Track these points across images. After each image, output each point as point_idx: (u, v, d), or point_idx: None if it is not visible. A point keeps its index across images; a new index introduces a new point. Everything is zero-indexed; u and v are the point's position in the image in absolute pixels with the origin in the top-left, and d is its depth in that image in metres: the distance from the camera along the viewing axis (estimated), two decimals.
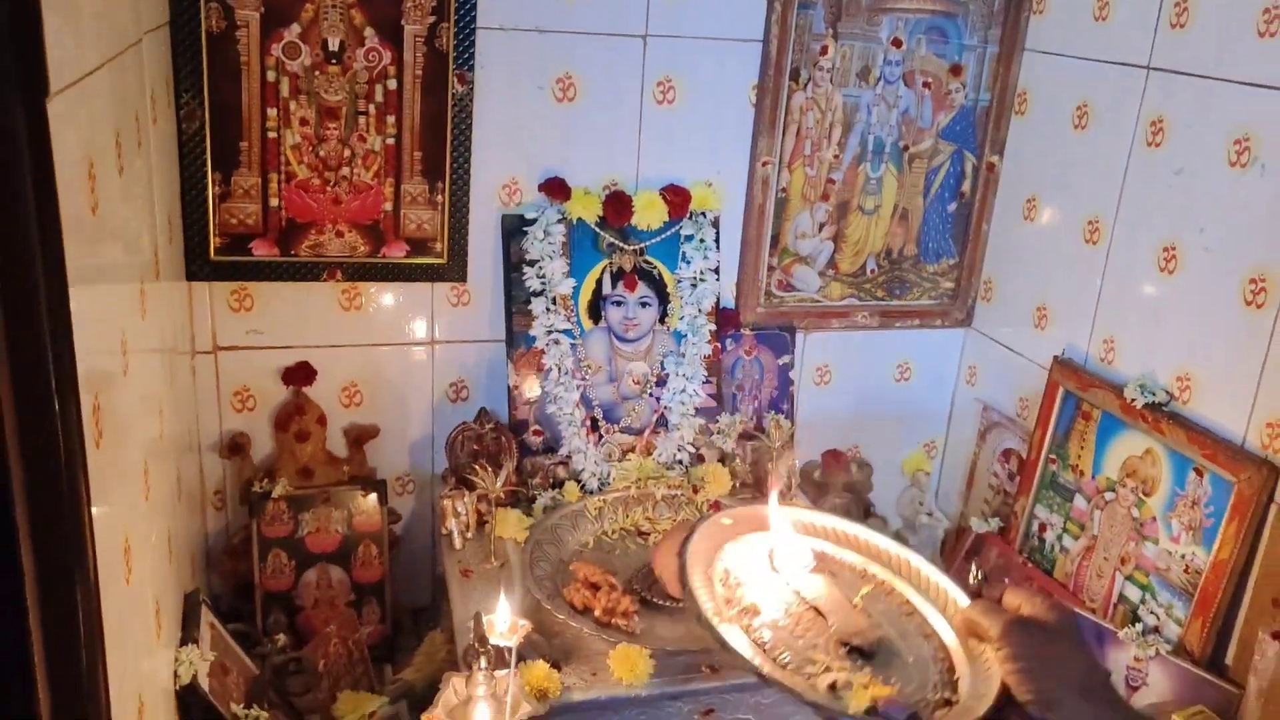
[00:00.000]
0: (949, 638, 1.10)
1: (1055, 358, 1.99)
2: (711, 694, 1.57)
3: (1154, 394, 1.74)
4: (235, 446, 1.93)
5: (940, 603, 1.15)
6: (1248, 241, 1.61)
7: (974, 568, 1.54)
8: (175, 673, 1.45)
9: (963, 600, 1.12)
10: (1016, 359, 2.17)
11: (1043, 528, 2.00)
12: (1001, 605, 1.04)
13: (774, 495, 1.22)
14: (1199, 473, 1.67)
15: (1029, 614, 1.00)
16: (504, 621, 1.53)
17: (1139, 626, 1.69)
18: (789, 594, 1.13)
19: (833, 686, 1.01)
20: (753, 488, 2.06)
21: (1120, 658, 1.70)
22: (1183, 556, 1.68)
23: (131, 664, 1.10)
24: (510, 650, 1.49)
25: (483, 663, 1.33)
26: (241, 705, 1.55)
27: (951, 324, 2.29)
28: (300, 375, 1.93)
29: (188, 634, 1.54)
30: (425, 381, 2.03)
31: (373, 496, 1.95)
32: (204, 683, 1.49)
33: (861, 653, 1.08)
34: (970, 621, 1.04)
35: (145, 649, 1.21)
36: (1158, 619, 1.70)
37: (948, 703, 1.01)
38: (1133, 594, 1.77)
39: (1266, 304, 1.57)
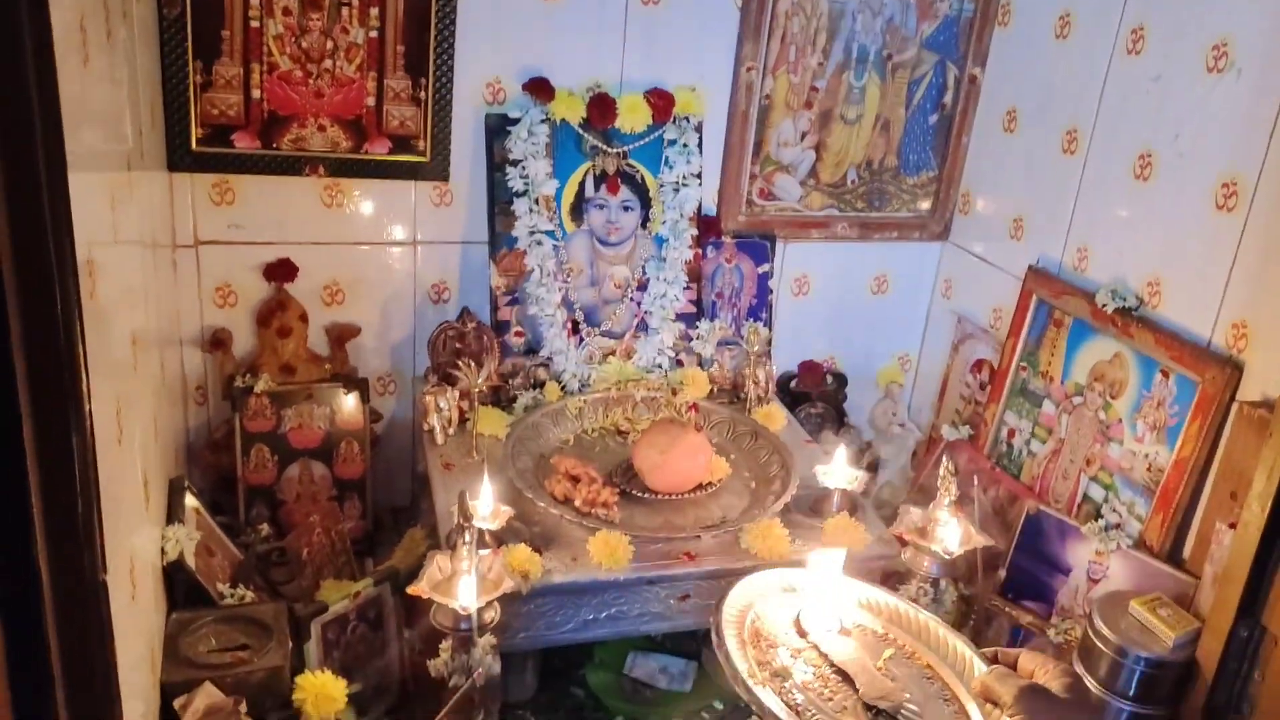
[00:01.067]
0: (968, 703, 1.17)
1: (1030, 267, 2.03)
2: (688, 580, 1.62)
3: (1124, 299, 1.78)
4: (217, 341, 1.93)
5: (959, 667, 1.23)
6: (1220, 146, 1.64)
7: (946, 461, 1.59)
8: (163, 549, 1.48)
9: (980, 666, 1.19)
10: (991, 271, 2.20)
11: (1011, 433, 2.05)
12: (1016, 671, 1.10)
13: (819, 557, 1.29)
14: (1165, 374, 1.71)
15: (1042, 682, 1.06)
16: (487, 506, 1.57)
17: (1101, 522, 1.75)
18: (816, 657, 1.21)
19: None
20: (730, 393, 2.10)
21: (1082, 552, 1.76)
22: (1146, 456, 1.74)
23: (125, 525, 1.12)
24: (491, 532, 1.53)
25: (466, 538, 1.36)
26: (227, 585, 1.58)
27: (929, 237, 2.32)
28: (282, 271, 1.93)
29: (174, 515, 1.57)
30: (407, 282, 2.04)
31: (354, 394, 1.96)
32: (190, 561, 1.52)
33: (887, 716, 1.14)
34: (986, 688, 1.10)
35: (136, 516, 1.23)
36: (1120, 516, 1.76)
37: None
38: (1096, 494, 1.83)
39: (1237, 207, 1.61)
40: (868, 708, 1.14)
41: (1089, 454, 1.86)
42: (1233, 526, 1.52)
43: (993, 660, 1.15)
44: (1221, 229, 1.63)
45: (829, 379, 2.35)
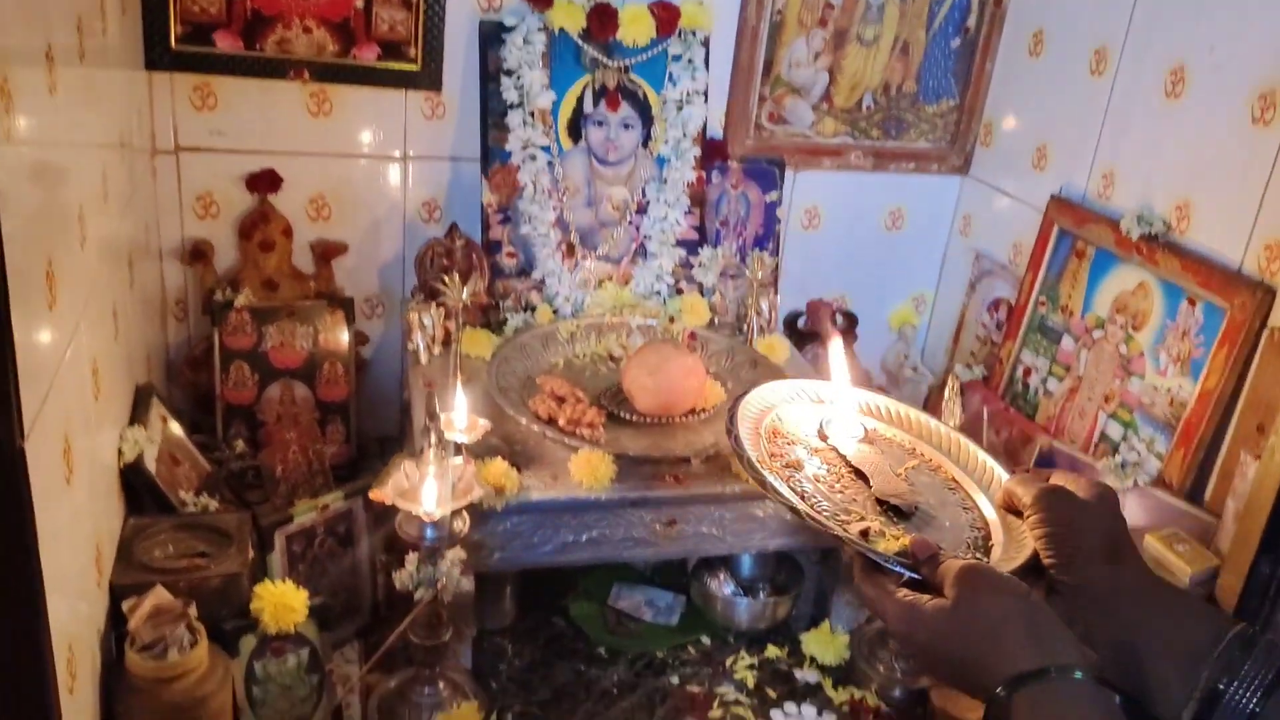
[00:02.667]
0: (989, 512, 1.09)
1: (1052, 195, 1.91)
2: (674, 504, 1.53)
3: (1151, 224, 1.67)
4: (197, 253, 1.86)
5: (985, 481, 1.13)
6: (1258, 58, 1.52)
7: (951, 383, 1.49)
8: (120, 450, 1.41)
9: (1006, 477, 1.10)
10: (1012, 204, 2.09)
11: (1027, 372, 1.95)
12: (1040, 476, 1.01)
13: (837, 347, 1.21)
14: (1191, 302, 1.60)
15: (1066, 485, 0.97)
16: (462, 418, 1.49)
17: (1118, 458, 1.64)
18: (834, 457, 1.13)
19: (865, 534, 0.99)
20: (732, 326, 2.00)
21: None
22: (1168, 390, 1.63)
23: (58, 405, 1.05)
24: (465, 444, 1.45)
25: (433, 438, 1.28)
26: (191, 494, 1.51)
27: (948, 169, 2.21)
28: (265, 182, 1.85)
29: (137, 420, 1.50)
30: (397, 199, 1.96)
31: (339, 314, 1.89)
32: (151, 467, 1.45)
33: (899, 511, 1.07)
34: (1008, 491, 1.02)
35: (75, 401, 1.16)
36: (1138, 455, 1.65)
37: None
38: (1115, 432, 1.72)
39: (1274, 120, 1.49)
40: (880, 503, 1.07)
41: (1108, 390, 1.75)
42: (1257, 457, 1.42)
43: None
44: (1257, 144, 1.51)
45: (838, 318, 2.25)
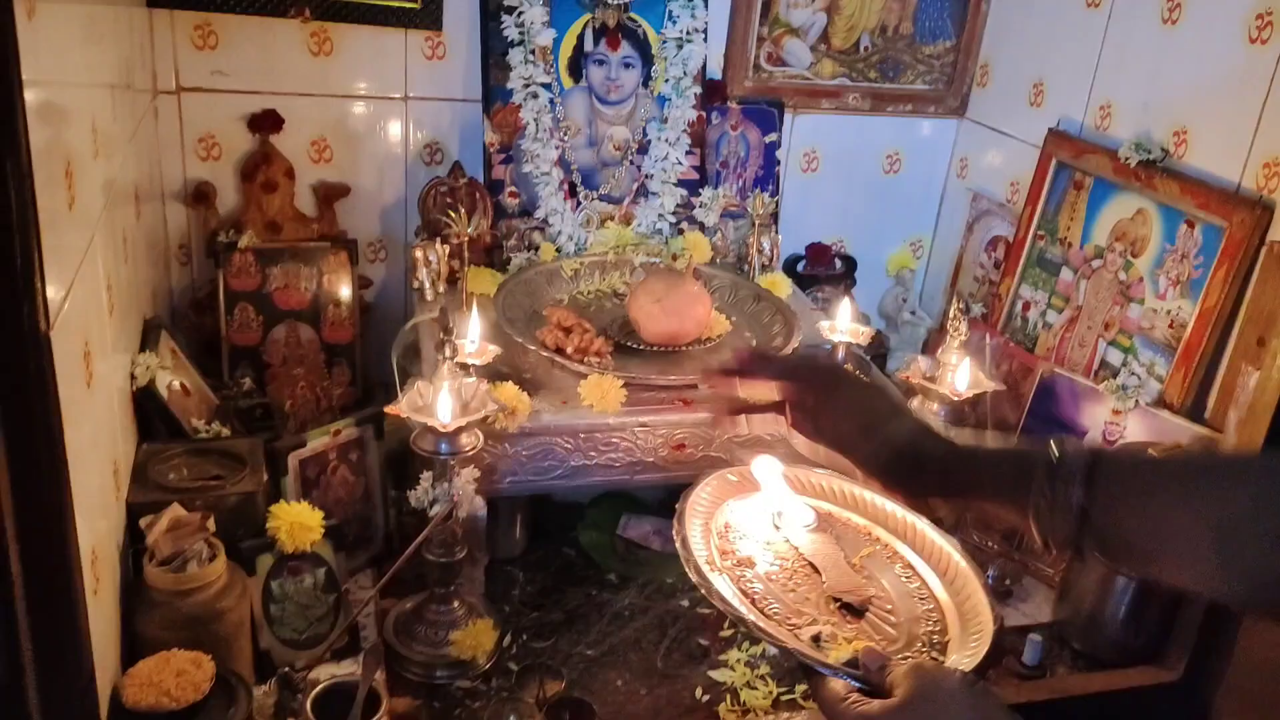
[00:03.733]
0: (945, 600, 1.09)
1: (1049, 129, 1.93)
2: (683, 426, 1.55)
3: (1149, 151, 1.69)
4: (200, 195, 1.86)
5: (942, 566, 1.14)
6: None
7: (955, 301, 1.51)
8: (132, 375, 1.41)
9: (964, 566, 1.11)
10: (1009, 142, 2.11)
11: (1026, 306, 1.97)
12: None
13: (770, 460, 1.20)
14: (1190, 225, 1.62)
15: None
16: (472, 341, 1.50)
17: (1118, 380, 1.66)
18: (786, 549, 1.13)
19: (816, 638, 1.00)
20: (734, 266, 2.02)
21: (1098, 413, 1.67)
22: (1168, 313, 1.65)
23: (80, 312, 1.06)
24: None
25: (446, 352, 1.29)
26: (203, 422, 1.52)
27: (945, 112, 2.22)
28: (267, 123, 1.85)
29: (146, 348, 1.50)
30: (398, 141, 1.96)
31: (343, 256, 1.89)
32: (164, 393, 1.46)
33: (851, 609, 1.06)
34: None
35: (96, 318, 1.16)
36: (1139, 378, 1.67)
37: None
38: (1114, 358, 1.75)
39: (1271, 39, 1.51)
40: (834, 600, 1.06)
41: (1108, 318, 1.77)
42: (1257, 367, 1.44)
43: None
44: (1254, 64, 1.53)
45: (837, 262, 2.27)
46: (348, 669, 1.36)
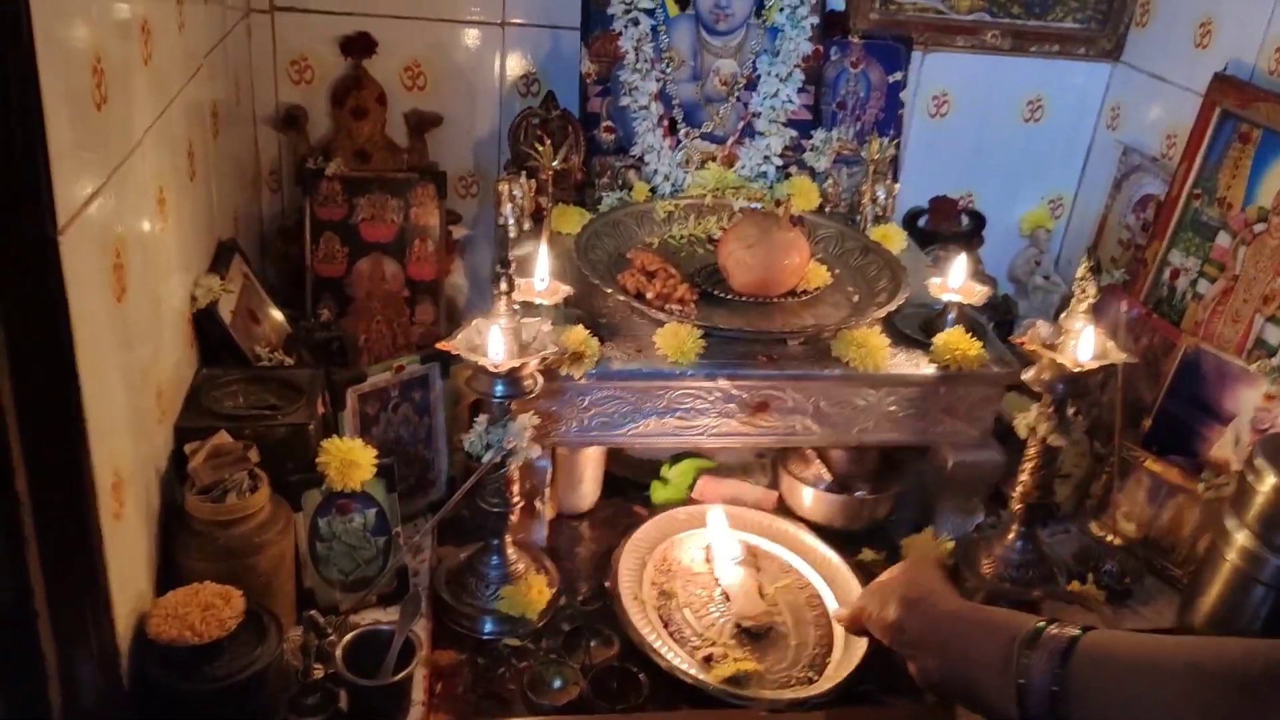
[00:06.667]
0: (835, 626, 1.33)
1: (1215, 74, 1.69)
2: (765, 386, 1.42)
3: None
4: (290, 119, 1.82)
5: (843, 596, 1.39)
6: None
7: (1085, 259, 1.32)
8: (193, 295, 1.37)
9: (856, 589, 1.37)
10: (1168, 89, 1.87)
11: (1174, 274, 1.74)
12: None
13: (716, 509, 1.50)
14: None
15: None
16: (542, 279, 1.40)
17: (1275, 360, 1.45)
18: (708, 580, 1.41)
19: (708, 659, 1.25)
20: (844, 217, 1.85)
21: (1248, 398, 1.46)
22: None
23: (109, 219, 1.00)
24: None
25: (503, 285, 1.19)
26: (267, 350, 1.47)
27: (1097, 54, 1.99)
28: (359, 46, 1.79)
29: (214, 270, 1.46)
30: (493, 69, 1.87)
31: (431, 188, 1.81)
32: (226, 318, 1.41)
33: (750, 634, 1.31)
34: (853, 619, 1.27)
35: (137, 228, 1.11)
36: None
37: (809, 680, 1.26)
38: (1273, 336, 1.52)
39: None
40: (736, 626, 1.32)
41: (1268, 290, 1.54)
42: None
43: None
44: None
45: (964, 219, 2.08)
46: (393, 616, 1.29)
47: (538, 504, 1.44)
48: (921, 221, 2.06)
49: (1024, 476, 1.39)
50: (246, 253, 1.67)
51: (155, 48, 1.17)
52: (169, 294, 1.27)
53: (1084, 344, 1.27)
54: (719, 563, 1.42)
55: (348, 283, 1.82)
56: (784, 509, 1.59)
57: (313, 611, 1.12)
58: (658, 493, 1.60)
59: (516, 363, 1.19)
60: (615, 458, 1.62)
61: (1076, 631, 0.95)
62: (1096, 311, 1.31)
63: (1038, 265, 2.10)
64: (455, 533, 1.44)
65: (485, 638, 1.31)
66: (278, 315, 1.60)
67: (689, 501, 1.58)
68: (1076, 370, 1.27)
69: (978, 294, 1.48)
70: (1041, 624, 0.99)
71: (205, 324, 1.39)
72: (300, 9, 1.77)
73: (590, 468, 1.56)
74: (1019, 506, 1.40)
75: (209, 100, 1.50)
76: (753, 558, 1.45)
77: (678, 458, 1.63)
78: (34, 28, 0.80)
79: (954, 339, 1.43)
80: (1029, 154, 2.07)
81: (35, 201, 0.84)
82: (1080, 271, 1.32)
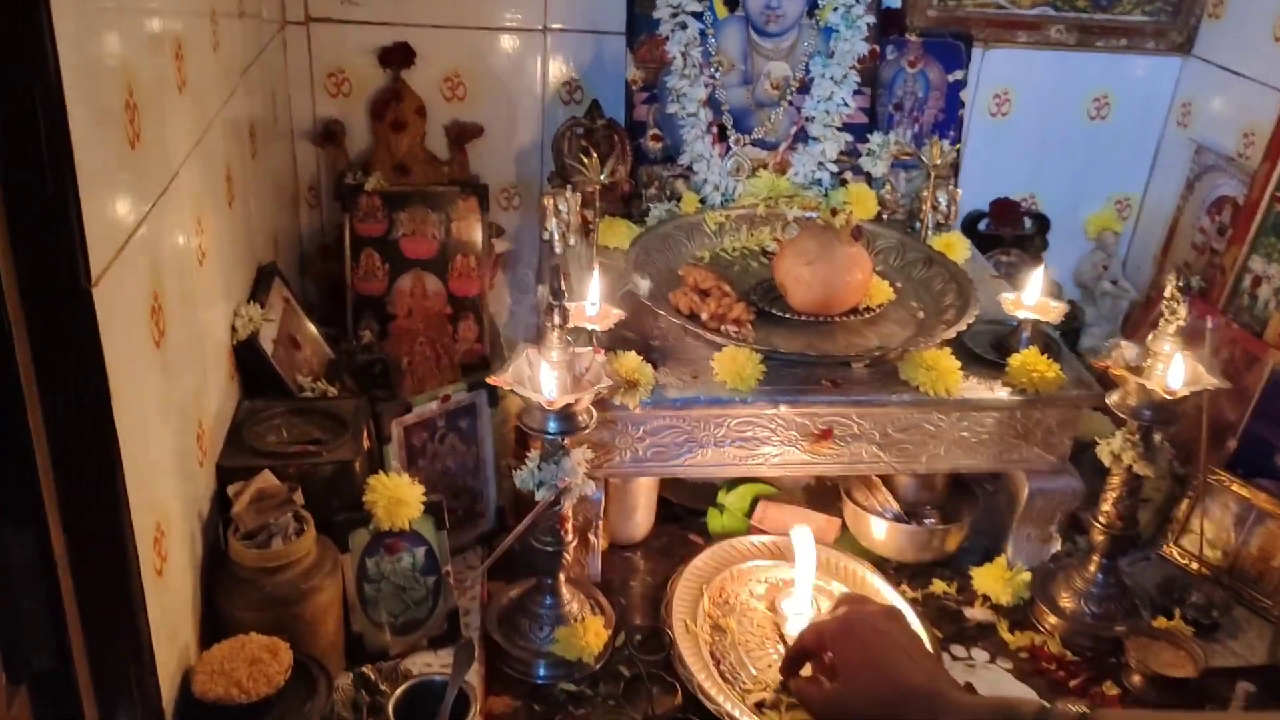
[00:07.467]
0: None
1: None
2: (830, 412, 1.35)
3: None
4: (328, 134, 1.77)
5: None
6: None
7: (1173, 279, 1.24)
8: (233, 326, 1.32)
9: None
10: (1245, 85, 1.77)
11: (1256, 282, 1.65)
12: None
13: (803, 534, 1.34)
14: None
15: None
16: (593, 305, 1.34)
17: None
18: (764, 619, 1.34)
19: (760, 705, 1.20)
20: (903, 224, 1.77)
21: None
22: None
23: (144, 263, 0.95)
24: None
25: (556, 319, 1.13)
26: (309, 379, 1.42)
27: (1167, 48, 1.89)
28: (398, 56, 1.73)
29: (256, 299, 1.41)
30: (535, 77, 1.80)
31: (473, 201, 1.75)
32: (267, 347, 1.36)
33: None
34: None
35: (176, 266, 1.06)
36: None
37: None
38: None
39: None
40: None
41: None
42: None
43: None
44: None
45: (1027, 222, 1.99)
46: (445, 660, 1.24)
47: (591, 537, 1.38)
48: (982, 225, 1.97)
49: (1106, 506, 1.32)
50: (285, 273, 1.62)
51: (190, 71, 1.12)
52: (209, 327, 1.22)
53: (1174, 371, 1.19)
54: (789, 613, 1.32)
55: (389, 301, 1.76)
56: (847, 537, 1.52)
57: (365, 667, 1.07)
58: (714, 520, 1.54)
59: (571, 399, 1.13)
60: (669, 484, 1.56)
61: (1084, 709, 0.88)
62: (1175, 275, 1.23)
63: (1105, 270, 2.01)
64: (505, 567, 1.39)
65: (540, 683, 1.25)
66: (319, 339, 1.55)
67: (749, 530, 1.52)
68: (1168, 399, 1.18)
69: (1054, 311, 1.40)
70: (1046, 705, 0.92)
71: (246, 355, 1.34)
72: (337, 19, 1.71)
73: (644, 496, 1.50)
74: (1101, 538, 1.33)
75: (246, 119, 1.45)
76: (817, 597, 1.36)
77: (734, 483, 1.56)
78: (60, 65, 0.75)
79: (1030, 360, 1.36)
80: (1095, 153, 1.98)
81: (67, 254, 0.79)
82: (1168, 290, 1.24)
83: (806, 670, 1.14)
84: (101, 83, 0.85)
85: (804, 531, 1.33)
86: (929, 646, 1.16)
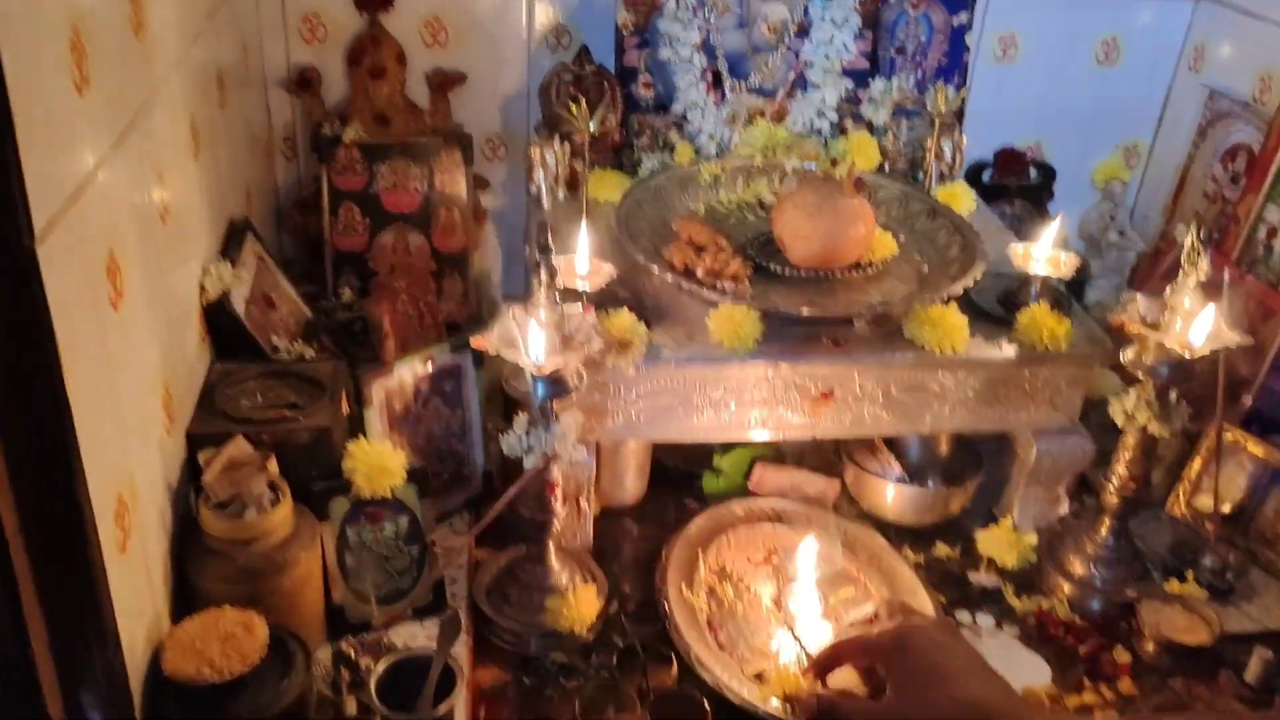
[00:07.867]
0: None
1: None
2: (831, 372, 1.29)
3: None
4: (304, 81, 1.68)
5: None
6: None
7: (1192, 231, 1.18)
8: (201, 285, 1.25)
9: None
10: (1260, 26, 1.69)
11: (1271, 233, 1.59)
12: None
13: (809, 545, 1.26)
14: None
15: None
16: (583, 259, 1.27)
17: None
18: (765, 592, 1.28)
19: (759, 675, 1.15)
20: (905, 173, 1.70)
21: None
22: None
23: (99, 222, 0.88)
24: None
25: (543, 277, 1.07)
26: (285, 340, 1.36)
27: None
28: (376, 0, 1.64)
29: (228, 255, 1.34)
30: (520, 22, 1.72)
31: (456, 152, 1.68)
32: (240, 306, 1.30)
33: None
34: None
35: (135, 225, 0.99)
36: None
37: None
38: None
39: None
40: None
41: None
42: None
43: None
44: None
45: (1032, 171, 1.92)
46: (430, 630, 1.19)
47: (582, 502, 1.33)
48: (986, 175, 1.91)
49: (1119, 467, 1.27)
50: (260, 228, 1.55)
51: (148, 13, 1.04)
52: (175, 287, 1.16)
53: (1199, 326, 1.13)
54: (794, 609, 1.24)
55: (370, 257, 1.69)
56: (848, 499, 1.47)
57: (345, 643, 1.02)
58: (710, 484, 1.49)
59: (560, 361, 1.07)
60: (662, 446, 1.50)
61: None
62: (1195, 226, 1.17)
63: (1112, 220, 1.94)
64: (493, 535, 1.33)
65: (530, 654, 1.20)
66: (296, 297, 1.49)
67: (745, 493, 1.46)
68: (1189, 356, 1.13)
69: (1065, 265, 1.34)
70: None
71: (217, 316, 1.27)
72: None
73: (636, 458, 1.44)
74: (1113, 500, 1.28)
75: (214, 66, 1.37)
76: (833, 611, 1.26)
77: (730, 445, 1.51)
78: None
79: (1040, 316, 1.30)
80: (1102, 99, 1.90)
81: (6, 208, 0.72)
82: (1188, 241, 1.17)
83: (835, 678, 1.07)
84: (40, 21, 0.78)
85: (810, 542, 1.26)
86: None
